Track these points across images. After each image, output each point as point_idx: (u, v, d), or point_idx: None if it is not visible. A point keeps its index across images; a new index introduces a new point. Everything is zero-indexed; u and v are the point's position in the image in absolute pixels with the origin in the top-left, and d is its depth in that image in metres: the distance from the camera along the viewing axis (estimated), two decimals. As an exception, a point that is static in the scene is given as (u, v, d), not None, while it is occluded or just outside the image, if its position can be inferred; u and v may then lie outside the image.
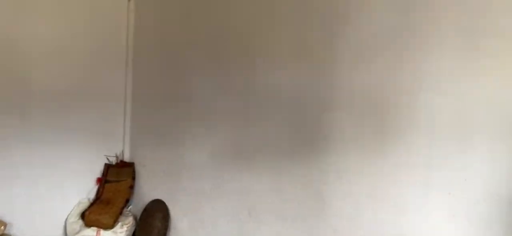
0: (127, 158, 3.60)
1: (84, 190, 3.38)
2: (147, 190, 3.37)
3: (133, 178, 3.47)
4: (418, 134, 1.75)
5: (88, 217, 3.16)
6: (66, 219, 3.24)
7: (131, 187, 3.43)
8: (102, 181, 3.42)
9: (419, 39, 1.75)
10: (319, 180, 2.10)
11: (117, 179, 3.42)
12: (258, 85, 2.40)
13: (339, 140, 2.03)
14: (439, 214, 1.70)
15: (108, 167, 3.48)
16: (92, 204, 3.28)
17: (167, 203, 3.11)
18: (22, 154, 3.06)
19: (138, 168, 3.49)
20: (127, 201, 3.37)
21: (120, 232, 3.18)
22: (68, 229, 3.20)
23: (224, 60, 2.64)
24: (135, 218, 3.35)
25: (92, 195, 3.40)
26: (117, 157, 3.54)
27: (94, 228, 3.13)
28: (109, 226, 3.14)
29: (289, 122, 2.24)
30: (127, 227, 3.21)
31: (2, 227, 2.82)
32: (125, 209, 3.37)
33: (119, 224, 3.21)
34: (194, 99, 2.86)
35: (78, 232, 3.14)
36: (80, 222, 3.18)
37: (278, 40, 2.31)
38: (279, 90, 2.29)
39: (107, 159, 3.50)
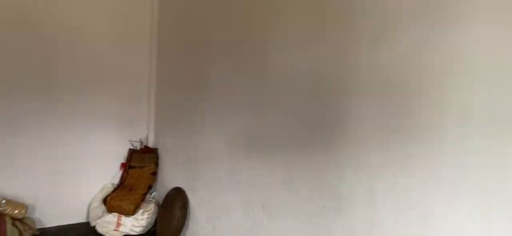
0: (151, 143, 3.53)
1: (108, 175, 3.36)
2: (169, 177, 3.28)
3: (156, 164, 3.40)
4: (449, 126, 1.44)
5: (109, 202, 3.14)
6: (90, 204, 3.24)
7: (154, 173, 3.36)
8: (126, 167, 3.38)
9: (451, 14, 1.42)
10: (335, 175, 1.85)
11: (140, 165, 3.37)
12: (272, 70, 2.17)
13: (358, 131, 1.75)
14: (473, 220, 1.39)
15: (132, 152, 3.44)
16: (115, 190, 3.26)
17: (186, 192, 2.99)
18: (47, 137, 3.08)
19: (161, 154, 3.42)
20: (149, 188, 3.31)
21: (141, 219, 3.12)
22: (91, 213, 3.20)
23: (239, 43, 2.43)
24: (158, 204, 3.28)
25: (116, 180, 3.38)
26: (141, 142, 3.48)
27: (116, 214, 3.10)
28: (130, 213, 3.09)
29: (303, 109, 1.99)
30: (148, 214, 3.15)
31: (23, 211, 2.85)
32: (148, 196, 3.31)
33: (141, 211, 3.15)
34: (210, 85, 2.69)
35: (100, 217, 3.13)
36: (103, 207, 3.17)
37: (293, 18, 2.05)
38: (293, 73, 2.04)
39: (132, 144, 3.45)
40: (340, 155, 1.82)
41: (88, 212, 3.24)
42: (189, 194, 2.97)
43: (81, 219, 3.24)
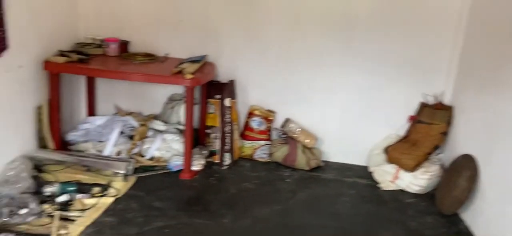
0: (447, 100, 3.12)
1: (394, 125, 3.23)
2: (461, 141, 2.83)
3: (448, 124, 2.99)
4: None
5: (390, 153, 3.04)
6: (371, 149, 3.25)
7: (444, 133, 2.98)
8: (414, 120, 3.15)
9: None
10: None
11: (429, 122, 3.05)
12: None
13: None
14: None
15: (423, 106, 3.15)
16: (398, 141, 3.12)
17: (478, 162, 2.49)
18: (343, 78, 3.24)
19: (456, 113, 2.97)
20: (436, 148, 2.97)
21: (421, 178, 2.89)
22: (371, 159, 3.22)
23: None
24: (442, 168, 2.93)
25: (401, 132, 3.21)
26: (435, 97, 3.13)
27: (395, 166, 2.99)
28: (408, 168, 2.91)
29: None
30: (430, 176, 2.87)
31: (313, 141, 3.18)
32: (432, 156, 2.99)
33: (422, 170, 2.90)
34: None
35: (379, 165, 3.10)
36: (383, 156, 3.11)
37: None
38: None
39: (424, 97, 3.16)
40: None
41: (368, 156, 3.26)
42: (481, 166, 2.47)
43: (360, 162, 3.30)
